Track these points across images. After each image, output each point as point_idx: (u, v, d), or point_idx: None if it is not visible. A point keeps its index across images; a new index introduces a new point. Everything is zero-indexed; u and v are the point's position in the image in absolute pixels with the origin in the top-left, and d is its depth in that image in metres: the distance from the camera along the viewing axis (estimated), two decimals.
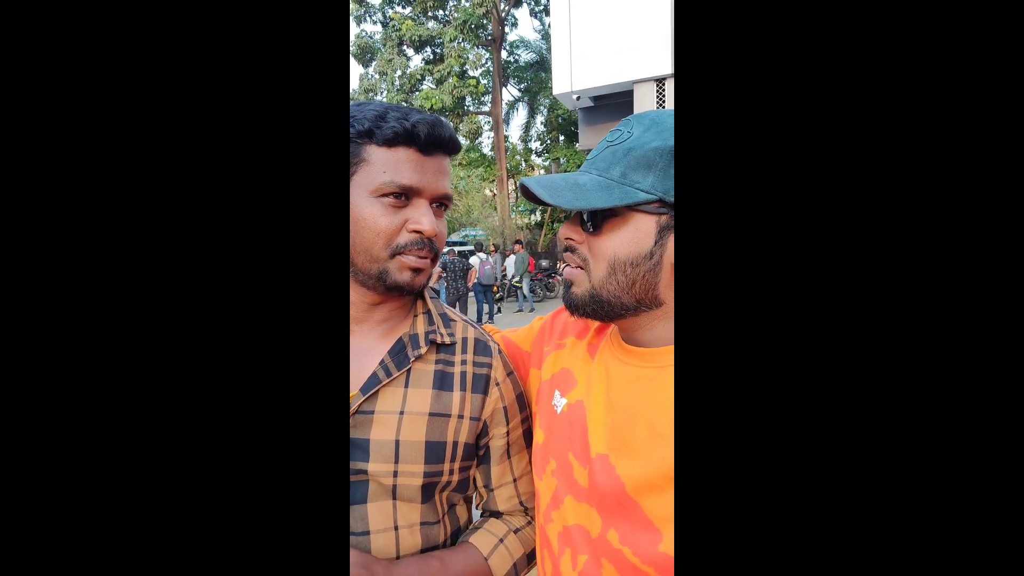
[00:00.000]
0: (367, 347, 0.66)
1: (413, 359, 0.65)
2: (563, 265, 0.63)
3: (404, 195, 0.61)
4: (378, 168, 0.60)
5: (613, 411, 0.61)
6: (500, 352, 0.73)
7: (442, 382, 0.67)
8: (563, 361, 0.71)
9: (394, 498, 0.63)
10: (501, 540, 0.69)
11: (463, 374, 0.69)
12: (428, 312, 0.71)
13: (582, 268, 0.60)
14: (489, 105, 18.50)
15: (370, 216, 0.60)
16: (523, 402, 0.74)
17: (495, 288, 9.84)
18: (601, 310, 0.59)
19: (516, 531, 0.71)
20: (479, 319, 8.95)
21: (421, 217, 0.62)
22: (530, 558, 0.72)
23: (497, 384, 0.70)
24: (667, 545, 0.52)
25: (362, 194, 0.61)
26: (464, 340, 0.71)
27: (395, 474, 0.62)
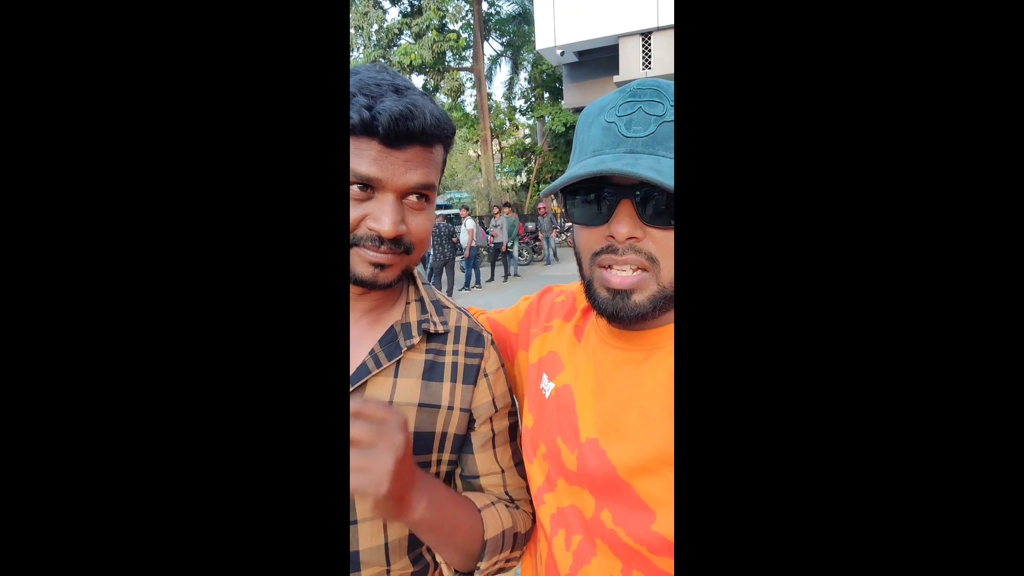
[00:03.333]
0: (357, 335, 0.63)
1: (405, 349, 0.63)
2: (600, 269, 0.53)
3: (368, 186, 0.55)
4: None
5: (603, 395, 0.60)
6: (493, 344, 0.71)
7: (432, 372, 0.65)
8: (550, 344, 0.70)
9: None
10: (492, 504, 0.66)
11: (454, 364, 0.67)
12: (421, 299, 0.68)
13: (645, 270, 0.53)
14: (471, 61, 17.85)
15: None
16: (511, 396, 0.73)
17: (504, 249, 9.73)
18: (667, 308, 0.54)
19: (507, 506, 0.69)
20: (467, 285, 8.90)
21: (381, 215, 0.55)
22: (521, 539, 0.70)
23: (486, 376, 0.69)
24: (660, 525, 0.52)
25: None
26: (457, 329, 0.69)
27: None
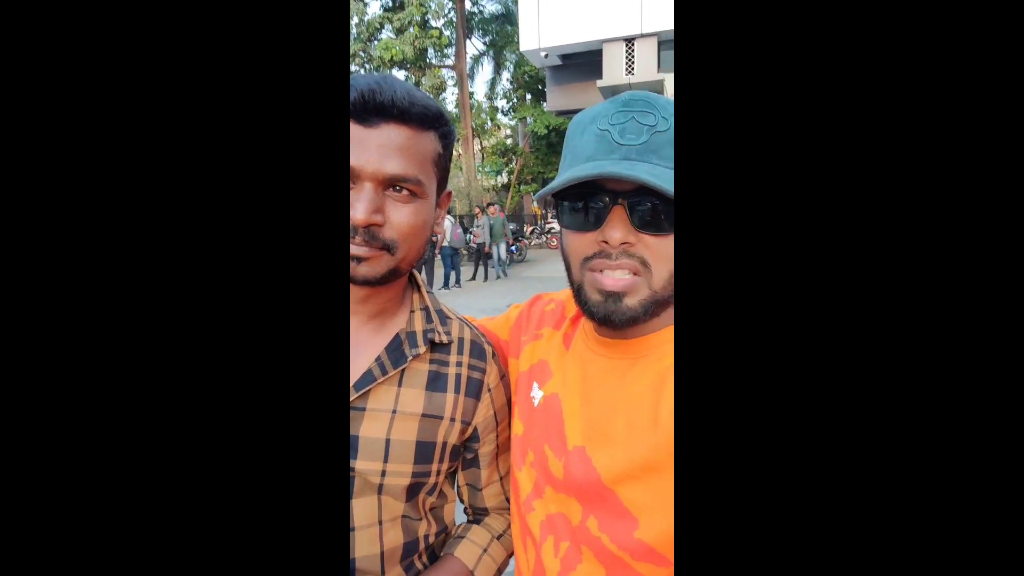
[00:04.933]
0: (360, 341, 0.63)
1: (410, 358, 0.63)
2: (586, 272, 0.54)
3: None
4: None
5: (589, 403, 0.60)
6: (495, 356, 0.71)
7: (435, 383, 0.64)
8: (540, 352, 0.71)
9: (379, 494, 0.61)
10: (485, 550, 0.70)
11: (457, 376, 0.66)
12: (426, 308, 0.68)
13: (637, 274, 0.54)
14: (453, 59, 17.75)
15: None
16: (511, 405, 0.73)
17: (486, 250, 9.57)
18: (656, 313, 0.56)
19: (499, 537, 0.72)
20: (445, 284, 8.83)
21: (355, 202, 0.54)
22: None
23: (489, 390, 0.69)
24: (643, 532, 0.53)
25: None
26: (460, 340, 0.69)
27: (383, 473, 0.61)
